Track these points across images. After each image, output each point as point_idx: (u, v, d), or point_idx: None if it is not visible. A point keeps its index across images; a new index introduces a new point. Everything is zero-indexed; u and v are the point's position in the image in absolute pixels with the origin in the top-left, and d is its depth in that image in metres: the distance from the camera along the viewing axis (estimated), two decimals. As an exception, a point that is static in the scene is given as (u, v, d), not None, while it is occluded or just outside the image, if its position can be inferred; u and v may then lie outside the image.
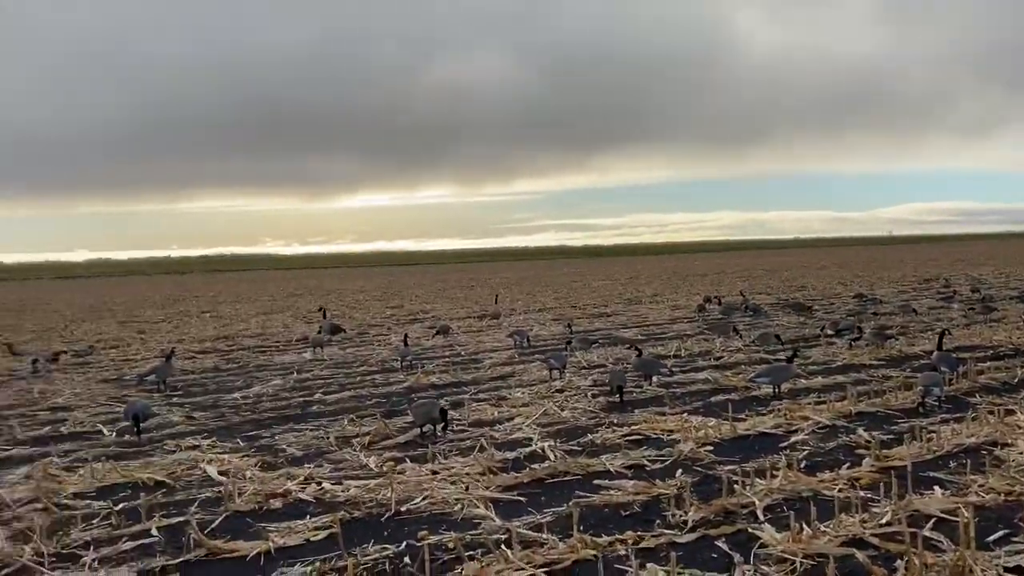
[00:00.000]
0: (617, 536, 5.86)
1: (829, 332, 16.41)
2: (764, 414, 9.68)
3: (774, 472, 7.10)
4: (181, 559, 5.89)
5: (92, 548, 6.13)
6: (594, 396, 11.24)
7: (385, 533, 6.26)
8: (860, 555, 5.31)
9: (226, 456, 8.85)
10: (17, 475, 8.40)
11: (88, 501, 7.43)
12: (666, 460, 7.91)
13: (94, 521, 6.81)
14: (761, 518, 6.18)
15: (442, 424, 9.27)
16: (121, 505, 7.13)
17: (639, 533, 5.94)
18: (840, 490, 6.70)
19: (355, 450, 8.87)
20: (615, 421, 9.63)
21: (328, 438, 9.50)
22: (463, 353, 16.90)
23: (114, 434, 10.40)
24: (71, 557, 6.03)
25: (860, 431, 8.63)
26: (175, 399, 12.86)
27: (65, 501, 7.42)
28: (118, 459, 8.90)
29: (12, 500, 7.42)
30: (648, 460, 7.91)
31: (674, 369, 13.07)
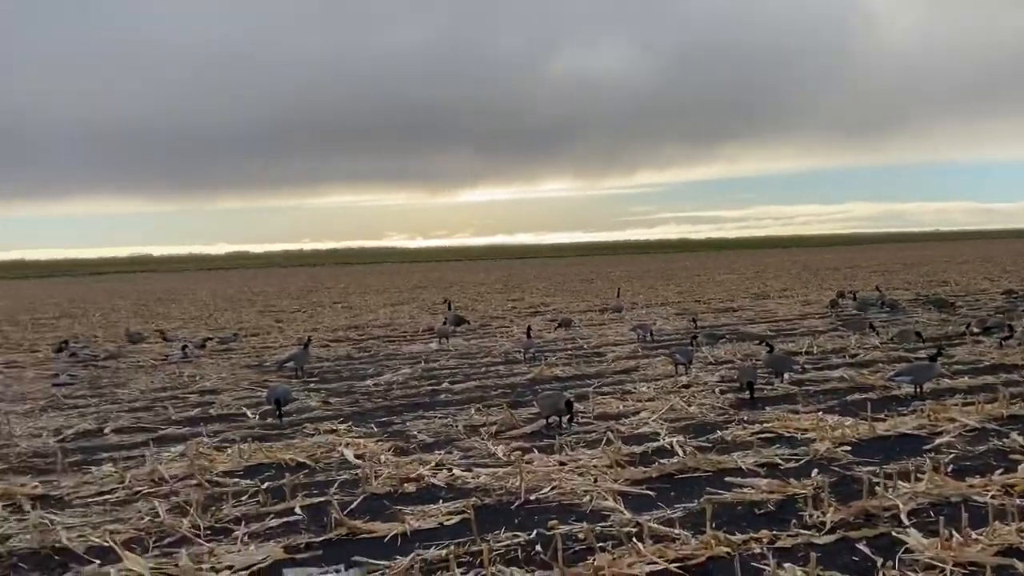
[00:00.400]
0: (752, 534, 5.74)
1: (975, 330, 15.45)
2: (905, 414, 9.22)
3: (919, 475, 6.76)
4: (323, 537, 6.18)
5: (243, 523, 6.51)
6: (722, 392, 11.01)
7: (515, 521, 6.36)
8: (1020, 565, 5.00)
9: (361, 440, 9.20)
10: (172, 452, 9.01)
11: (236, 479, 7.90)
12: (800, 459, 7.66)
13: (243, 498, 7.23)
14: (905, 522, 5.90)
15: (568, 416, 9.32)
16: (267, 484, 7.53)
17: (774, 532, 5.79)
18: (993, 496, 6.31)
19: (483, 439, 9.03)
20: (745, 418, 9.40)
21: (456, 426, 9.72)
22: (585, 346, 16.90)
23: (257, 417, 11.00)
24: (224, 531, 6.43)
25: (1014, 435, 8.09)
26: (312, 385, 13.46)
27: (216, 478, 7.90)
28: (262, 440, 9.41)
29: (169, 476, 7.98)
30: (781, 459, 7.68)
31: (806, 366, 12.63)
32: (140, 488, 7.67)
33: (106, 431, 10.49)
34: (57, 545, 6.18)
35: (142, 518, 6.72)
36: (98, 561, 5.86)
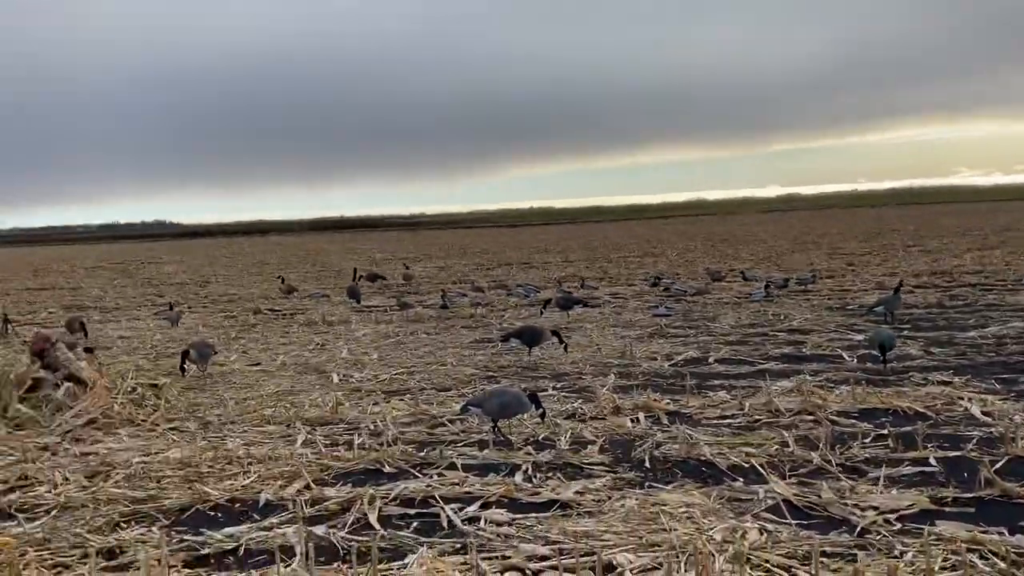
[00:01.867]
0: None
1: None
2: None
3: None
4: (971, 494, 5.75)
5: (882, 466, 6.37)
6: None
7: None
8: None
9: (986, 397, 8.36)
10: (780, 387, 9.28)
11: (852, 421, 7.82)
12: None
13: (866, 440, 7.12)
14: None
15: None
16: (890, 429, 7.30)
17: None
18: None
19: None
20: None
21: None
22: None
23: (855, 360, 10.76)
24: (853, 470, 6.41)
25: None
26: (905, 332, 12.68)
27: (831, 418, 7.92)
28: (869, 384, 9.17)
29: (784, 408, 8.26)
30: None
31: None
32: (758, 417, 8.09)
33: (710, 360, 11.33)
34: (701, 458, 6.86)
35: (771, 446, 7.07)
36: (741, 479, 6.34)
